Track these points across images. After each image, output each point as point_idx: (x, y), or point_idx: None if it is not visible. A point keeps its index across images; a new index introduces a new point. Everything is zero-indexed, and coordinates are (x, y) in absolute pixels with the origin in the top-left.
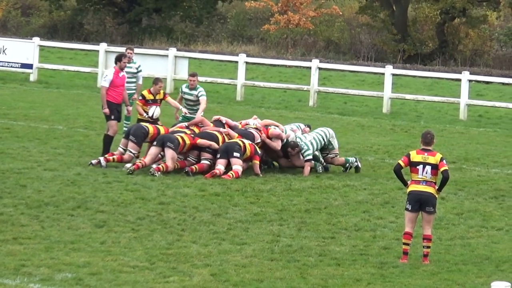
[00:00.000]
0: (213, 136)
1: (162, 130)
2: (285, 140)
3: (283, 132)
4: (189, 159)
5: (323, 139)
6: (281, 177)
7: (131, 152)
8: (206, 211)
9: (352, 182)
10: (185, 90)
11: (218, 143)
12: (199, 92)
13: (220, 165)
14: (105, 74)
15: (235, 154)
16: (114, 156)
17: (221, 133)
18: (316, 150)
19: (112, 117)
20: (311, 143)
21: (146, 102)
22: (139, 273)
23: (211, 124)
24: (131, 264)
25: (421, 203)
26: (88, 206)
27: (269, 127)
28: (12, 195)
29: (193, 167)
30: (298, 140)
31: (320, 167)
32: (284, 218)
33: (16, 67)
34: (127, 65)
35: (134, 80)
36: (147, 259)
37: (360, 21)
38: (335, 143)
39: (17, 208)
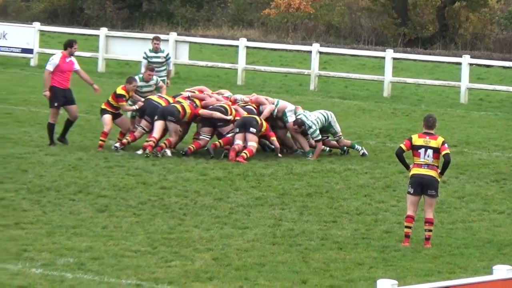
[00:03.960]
0: (218, 108)
1: (171, 101)
2: (275, 111)
3: (273, 104)
4: (202, 137)
5: (324, 121)
6: (282, 161)
7: (143, 129)
8: (208, 196)
9: (353, 166)
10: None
11: (225, 114)
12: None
13: (238, 140)
14: (51, 58)
15: (252, 129)
16: (128, 138)
17: (229, 104)
18: (322, 126)
19: (55, 104)
20: (317, 122)
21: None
22: (141, 258)
23: (214, 99)
24: (133, 248)
25: (423, 187)
26: (90, 191)
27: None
28: (13, 180)
29: (217, 143)
30: (303, 118)
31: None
32: (286, 202)
33: (17, 52)
34: (155, 54)
35: (163, 68)
36: (149, 244)
37: (360, 5)
38: (336, 126)
39: (18, 193)
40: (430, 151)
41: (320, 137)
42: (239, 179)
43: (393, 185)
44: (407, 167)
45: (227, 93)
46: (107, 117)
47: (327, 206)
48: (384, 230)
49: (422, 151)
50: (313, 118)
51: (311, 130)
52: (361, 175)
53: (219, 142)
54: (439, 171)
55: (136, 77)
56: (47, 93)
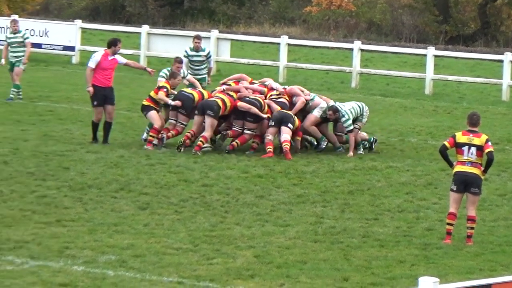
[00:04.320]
0: (254, 102)
1: (206, 95)
2: (308, 104)
3: (309, 96)
4: (234, 128)
5: (359, 112)
6: (324, 158)
7: (182, 123)
8: (249, 193)
9: (395, 164)
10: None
11: (260, 109)
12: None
13: (271, 136)
14: (94, 55)
15: (289, 125)
16: (172, 132)
17: (263, 99)
18: (355, 117)
19: (95, 103)
20: (351, 112)
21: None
22: (182, 255)
23: (250, 92)
24: (174, 246)
25: (466, 184)
26: (131, 188)
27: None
28: (55, 178)
29: (234, 143)
30: (338, 105)
31: (324, 145)
32: (327, 199)
33: (59, 50)
34: (196, 53)
35: (204, 66)
36: (191, 241)
37: (402, 2)
38: (364, 119)
39: (60, 190)
40: (473, 149)
41: (352, 127)
42: (281, 176)
43: (434, 182)
44: (451, 165)
45: (269, 80)
46: (154, 113)
47: (369, 204)
48: (426, 227)
49: (465, 148)
50: (348, 107)
51: (344, 119)
52: (402, 172)
53: (236, 142)
54: (482, 169)
55: (165, 70)
56: (91, 88)
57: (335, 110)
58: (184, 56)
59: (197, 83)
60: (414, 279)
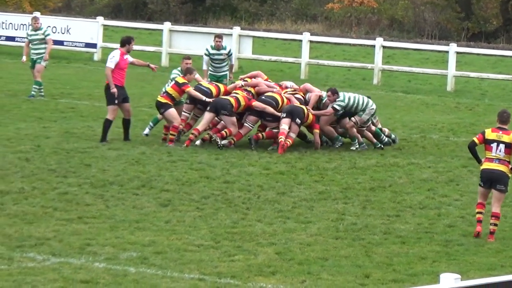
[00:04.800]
0: (270, 102)
1: (222, 89)
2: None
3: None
4: (246, 124)
5: (361, 104)
6: (345, 155)
7: (197, 116)
8: (271, 190)
9: (416, 160)
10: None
11: (276, 108)
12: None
13: (285, 125)
14: (112, 55)
15: (297, 120)
16: (183, 128)
17: (280, 94)
18: (350, 107)
19: (116, 102)
20: (349, 98)
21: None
22: (204, 252)
23: (266, 87)
24: (196, 243)
25: (492, 181)
26: (153, 185)
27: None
28: (76, 174)
29: (260, 134)
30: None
31: (340, 143)
32: (349, 196)
33: (81, 47)
34: (217, 52)
35: (225, 63)
36: (212, 238)
37: None
38: (364, 116)
39: (81, 187)
40: (502, 146)
41: (338, 107)
42: (302, 173)
43: (456, 179)
44: (479, 161)
45: (289, 83)
46: (173, 111)
47: (390, 200)
48: (447, 224)
49: (494, 145)
50: (350, 94)
51: (339, 99)
52: (424, 169)
53: (262, 134)
54: (510, 166)
55: (176, 71)
56: (115, 90)
57: (334, 91)
58: (205, 54)
59: (203, 80)
60: (435, 276)
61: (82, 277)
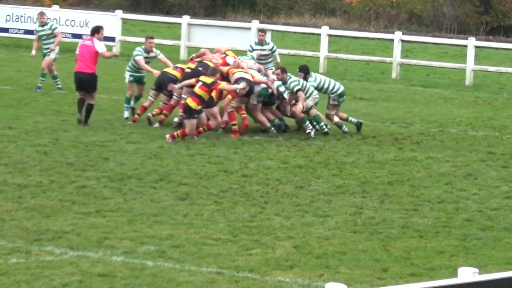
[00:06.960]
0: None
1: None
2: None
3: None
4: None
5: (326, 87)
6: (364, 149)
7: (165, 103)
8: (289, 184)
9: (434, 154)
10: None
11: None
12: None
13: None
14: (138, 49)
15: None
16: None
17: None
18: (320, 89)
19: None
20: (320, 80)
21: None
22: (222, 246)
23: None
24: (214, 236)
25: None
26: (171, 179)
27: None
28: (94, 168)
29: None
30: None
31: (313, 130)
32: (367, 190)
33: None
34: (261, 47)
35: (270, 60)
36: (230, 232)
37: None
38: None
39: (100, 181)
40: None
41: (299, 87)
42: (321, 167)
43: (474, 173)
44: None
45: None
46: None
47: (408, 194)
48: (465, 218)
49: None
50: (322, 76)
51: (291, 80)
52: (442, 163)
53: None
54: None
55: (140, 49)
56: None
57: (284, 69)
58: (249, 50)
59: (169, 63)
60: (453, 270)
61: (99, 270)
